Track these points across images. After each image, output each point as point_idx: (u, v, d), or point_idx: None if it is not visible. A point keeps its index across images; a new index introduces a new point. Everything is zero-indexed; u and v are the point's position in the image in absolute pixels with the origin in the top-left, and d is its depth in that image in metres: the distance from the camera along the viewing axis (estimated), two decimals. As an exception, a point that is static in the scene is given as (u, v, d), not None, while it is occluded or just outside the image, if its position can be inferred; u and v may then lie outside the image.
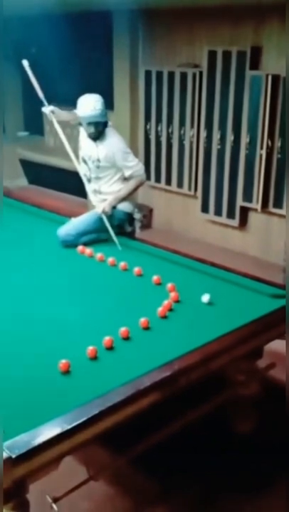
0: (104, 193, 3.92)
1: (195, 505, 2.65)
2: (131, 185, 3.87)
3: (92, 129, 3.76)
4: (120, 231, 3.98)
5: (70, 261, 3.63)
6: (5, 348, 2.52)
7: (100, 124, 3.76)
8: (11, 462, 1.75)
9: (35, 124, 8.73)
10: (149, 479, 2.79)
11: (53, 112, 3.96)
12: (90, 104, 3.71)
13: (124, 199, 3.88)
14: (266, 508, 2.60)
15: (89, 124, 3.75)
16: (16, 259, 3.61)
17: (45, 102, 3.97)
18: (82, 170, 4.01)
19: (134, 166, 3.85)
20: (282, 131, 5.13)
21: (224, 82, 5.52)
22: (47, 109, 3.96)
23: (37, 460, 1.83)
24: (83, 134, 3.95)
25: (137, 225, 4.13)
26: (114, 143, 3.81)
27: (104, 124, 3.82)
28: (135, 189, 3.93)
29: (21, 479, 1.83)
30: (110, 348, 2.49)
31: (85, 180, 3.98)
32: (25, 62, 3.91)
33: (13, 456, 1.75)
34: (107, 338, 2.50)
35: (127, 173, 3.84)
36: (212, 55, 5.55)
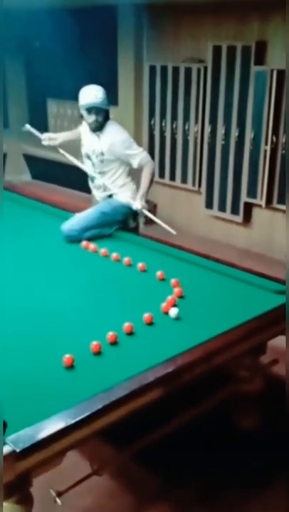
0: (108, 189, 3.91)
1: (197, 500, 2.65)
2: (146, 174, 3.84)
3: (92, 117, 3.74)
4: (124, 226, 3.98)
5: (74, 256, 3.63)
6: (9, 343, 2.52)
7: (100, 112, 3.73)
8: (15, 456, 1.76)
9: (39, 119, 8.71)
10: (152, 474, 2.80)
11: (50, 138, 4.05)
12: (91, 93, 3.71)
13: (148, 189, 3.85)
14: (268, 503, 2.60)
15: (89, 112, 3.73)
16: (20, 254, 3.61)
17: (41, 136, 4.13)
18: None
19: (139, 153, 3.83)
20: (287, 127, 5.11)
21: (229, 78, 5.50)
22: (45, 140, 4.10)
23: (41, 454, 1.83)
24: (85, 130, 3.95)
25: (141, 220, 4.11)
26: (116, 134, 3.80)
27: (106, 116, 3.81)
28: (152, 176, 3.89)
29: (25, 473, 1.83)
30: (114, 343, 2.49)
31: (90, 174, 3.98)
32: (27, 126, 4.18)
33: (17, 450, 1.76)
34: (110, 333, 2.50)
35: (135, 162, 3.82)
36: (217, 50, 5.54)
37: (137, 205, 3.78)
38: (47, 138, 4.10)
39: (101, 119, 3.76)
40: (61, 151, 4.05)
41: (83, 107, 3.75)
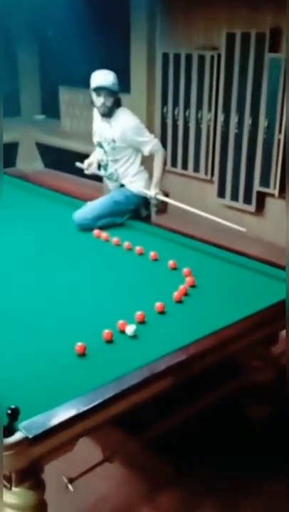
0: (121, 177, 3.90)
1: (208, 488, 2.67)
2: (158, 162, 3.83)
3: (101, 100, 3.70)
4: (136, 215, 3.97)
5: (86, 245, 3.64)
6: (22, 330, 2.54)
7: (109, 96, 3.69)
8: (28, 442, 1.77)
9: (51, 107, 8.71)
10: (163, 462, 2.82)
11: (89, 164, 4.07)
12: (101, 75, 3.70)
13: (160, 179, 3.85)
14: (281, 492, 2.61)
15: (98, 93, 3.70)
16: (32, 242, 3.63)
17: (83, 165, 4.12)
18: (99, 155, 4.00)
19: (150, 140, 3.81)
20: (287, 116, 5.04)
21: (242, 65, 5.44)
22: (87, 169, 4.09)
23: (53, 441, 1.85)
24: (97, 117, 3.93)
25: (153, 209, 4.10)
26: (127, 121, 3.78)
27: (117, 103, 3.78)
28: (163, 164, 3.88)
29: (37, 459, 1.85)
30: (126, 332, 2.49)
31: (102, 163, 3.97)
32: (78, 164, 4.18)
33: (30, 436, 1.77)
34: (122, 322, 2.50)
35: (146, 150, 3.80)
36: (230, 37, 5.47)
37: (153, 193, 3.78)
38: (86, 166, 4.09)
39: (109, 103, 3.73)
40: (96, 172, 4.11)
41: (92, 88, 3.72)
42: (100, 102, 3.73)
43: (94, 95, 3.74)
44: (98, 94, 3.71)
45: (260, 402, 2.91)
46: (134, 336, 2.45)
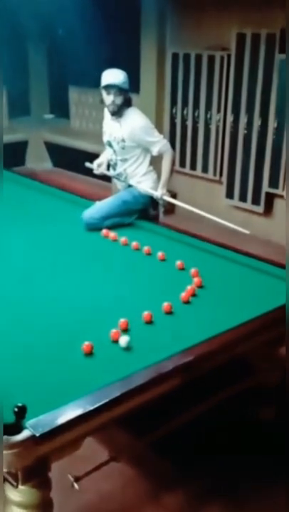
0: (130, 176, 3.90)
1: (214, 489, 2.66)
2: (167, 162, 3.84)
3: (110, 98, 3.71)
4: (144, 215, 3.97)
5: (94, 244, 3.64)
6: (30, 329, 2.54)
7: (118, 94, 3.70)
8: (34, 441, 1.78)
9: (61, 106, 8.73)
10: (169, 462, 2.82)
11: (99, 165, 4.09)
12: (112, 74, 3.71)
13: (168, 180, 3.85)
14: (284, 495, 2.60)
15: (108, 92, 3.70)
16: (40, 241, 3.63)
17: (93, 166, 4.14)
18: (108, 155, 4.00)
19: (160, 140, 3.81)
20: (287, 115, 5.02)
21: (253, 66, 5.43)
22: (97, 170, 4.12)
23: (59, 439, 1.85)
24: (107, 117, 3.94)
25: (161, 209, 4.10)
26: (137, 120, 3.78)
27: (127, 102, 3.79)
28: (172, 165, 3.89)
29: (44, 458, 1.85)
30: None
31: (112, 162, 3.98)
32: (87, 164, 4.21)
33: (37, 434, 1.78)
34: (114, 331, 2.45)
35: (155, 150, 3.81)
36: (241, 37, 5.46)
37: (159, 193, 3.78)
38: (96, 166, 4.10)
39: (119, 102, 3.73)
40: (106, 172, 4.11)
41: (102, 86, 3.73)
42: (109, 101, 3.73)
43: (104, 93, 3.75)
44: (108, 93, 3.71)
45: (268, 404, 2.90)
46: (128, 348, 2.34)
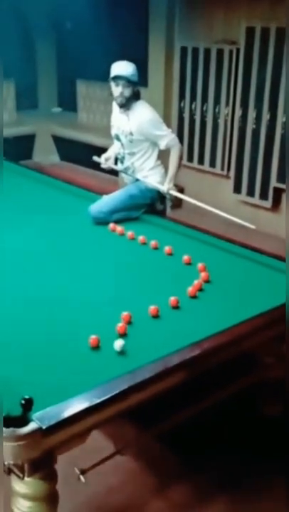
0: (137, 170, 3.90)
1: (219, 483, 2.67)
2: (174, 157, 3.83)
3: (119, 90, 3.70)
4: (151, 209, 3.96)
5: (101, 238, 3.64)
6: (37, 323, 2.55)
7: (127, 86, 3.69)
8: (41, 433, 1.78)
9: (68, 100, 8.71)
10: (175, 456, 2.82)
11: (106, 159, 4.08)
12: (121, 65, 3.71)
13: (176, 174, 3.84)
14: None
15: (116, 83, 3.69)
16: (46, 235, 3.64)
17: (100, 160, 4.13)
18: (116, 149, 3.99)
19: (168, 134, 3.81)
20: (287, 109, 5.00)
21: (262, 60, 5.40)
22: (104, 163, 4.10)
23: (66, 432, 1.86)
24: (115, 110, 3.93)
25: (168, 203, 4.10)
26: (145, 114, 3.78)
27: (135, 95, 3.78)
28: (180, 160, 3.88)
29: (50, 450, 1.86)
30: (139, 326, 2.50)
31: (119, 156, 3.98)
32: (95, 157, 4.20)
33: (43, 427, 1.79)
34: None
35: (163, 144, 3.80)
36: (250, 31, 5.43)
37: (165, 188, 3.77)
38: (103, 160, 4.10)
39: (127, 94, 3.72)
40: (113, 166, 4.11)
41: (111, 77, 3.72)
42: (117, 92, 3.72)
43: (113, 85, 3.74)
44: (116, 84, 3.71)
45: (274, 399, 2.90)
46: (122, 352, 2.28)
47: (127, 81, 3.68)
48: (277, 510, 2.52)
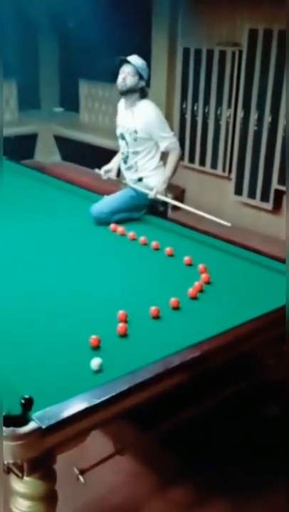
0: (140, 170, 3.90)
1: (220, 483, 2.67)
2: (172, 161, 3.84)
3: (123, 76, 3.71)
4: (152, 210, 3.97)
5: (102, 238, 3.64)
6: (37, 322, 2.55)
7: (132, 75, 3.70)
8: (41, 433, 1.78)
9: (71, 100, 8.72)
10: (175, 456, 2.82)
11: (106, 171, 4.11)
12: (134, 55, 3.77)
13: (171, 178, 3.85)
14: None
15: (122, 69, 3.71)
16: (47, 235, 3.64)
17: (100, 172, 4.16)
18: (120, 147, 4.00)
19: (169, 137, 3.82)
20: (287, 113, 5.00)
21: (264, 62, 5.41)
22: (104, 175, 4.13)
23: (65, 432, 1.86)
24: (121, 109, 3.94)
25: (169, 205, 4.10)
26: (151, 112, 3.79)
27: (141, 93, 3.80)
28: (177, 164, 3.88)
29: (49, 450, 1.86)
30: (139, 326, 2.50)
31: (123, 155, 3.98)
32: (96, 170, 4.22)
33: (43, 426, 1.78)
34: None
35: (163, 145, 3.81)
36: (253, 33, 5.43)
37: (153, 193, 3.76)
38: (103, 172, 4.11)
39: (129, 83, 3.72)
40: (114, 178, 4.13)
41: (118, 62, 3.75)
42: (120, 78, 3.74)
43: (120, 72, 3.76)
44: (122, 70, 3.73)
45: (274, 400, 2.90)
46: (100, 371, 2.15)
47: (134, 70, 3.70)
48: (277, 510, 2.52)
